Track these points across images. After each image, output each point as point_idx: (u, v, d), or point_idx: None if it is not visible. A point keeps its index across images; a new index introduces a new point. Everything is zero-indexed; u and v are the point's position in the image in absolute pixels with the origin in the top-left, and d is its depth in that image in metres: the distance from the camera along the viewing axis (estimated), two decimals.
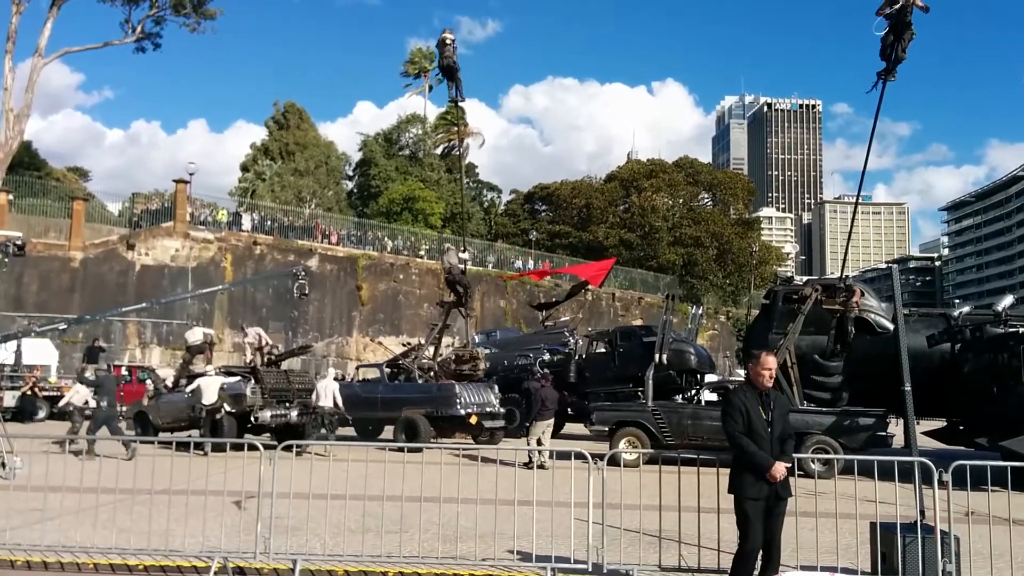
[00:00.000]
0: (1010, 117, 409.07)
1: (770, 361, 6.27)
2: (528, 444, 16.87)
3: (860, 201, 23.36)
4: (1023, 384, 14.67)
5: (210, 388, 18.94)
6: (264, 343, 21.44)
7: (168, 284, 37.77)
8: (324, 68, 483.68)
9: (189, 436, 18.26)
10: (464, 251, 25.60)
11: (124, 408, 22.97)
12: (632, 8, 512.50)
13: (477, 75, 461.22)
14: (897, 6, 14.86)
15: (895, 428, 17.10)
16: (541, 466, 14.49)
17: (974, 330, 16.85)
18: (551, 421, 17.39)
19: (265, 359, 21.17)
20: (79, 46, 48.39)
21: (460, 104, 27.59)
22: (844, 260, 22.27)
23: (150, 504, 8.50)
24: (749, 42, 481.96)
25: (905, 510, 8.39)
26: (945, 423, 18.10)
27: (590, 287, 46.57)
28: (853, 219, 24.77)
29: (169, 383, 21.80)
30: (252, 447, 8.38)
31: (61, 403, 21.19)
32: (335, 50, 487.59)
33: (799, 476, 9.04)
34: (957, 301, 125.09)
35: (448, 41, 22.15)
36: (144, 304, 33.03)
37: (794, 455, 10.37)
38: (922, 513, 7.92)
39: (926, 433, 17.97)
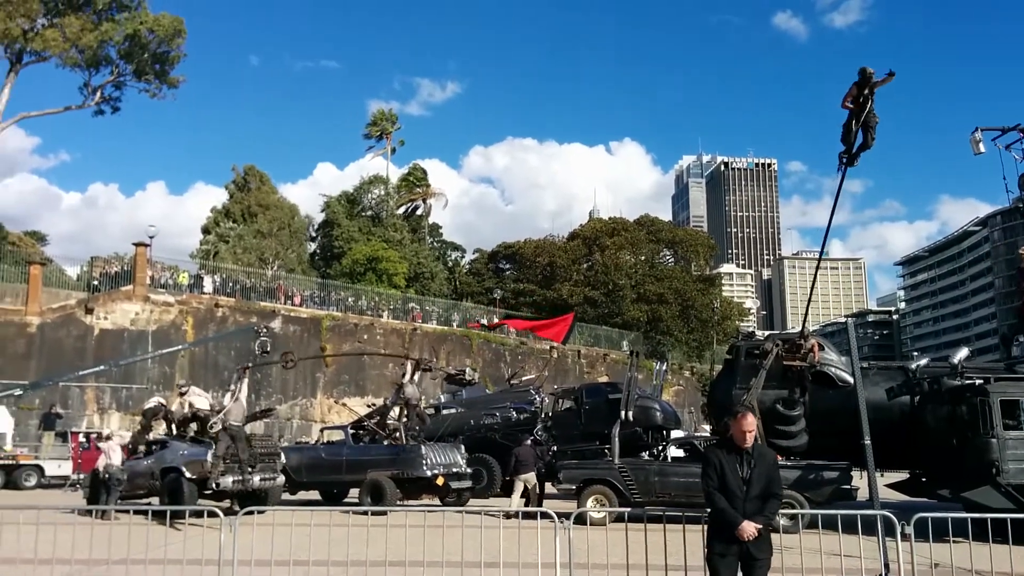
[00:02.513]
0: (959, 173, 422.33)
1: (749, 421, 6.17)
2: (511, 502, 17.58)
3: (819, 265, 23.77)
4: (981, 435, 14.86)
5: None
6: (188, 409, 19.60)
7: (128, 348, 37.07)
8: (284, 130, 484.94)
9: (149, 504, 17.79)
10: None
11: (82, 476, 22.34)
12: (589, 71, 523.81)
13: (437, 136, 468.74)
14: (864, 95, 14.31)
15: (859, 481, 17.22)
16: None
17: (932, 383, 17.12)
18: (529, 476, 18.19)
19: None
20: (37, 111, 48.38)
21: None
22: (805, 315, 22.58)
23: (107, 575, 8.28)
24: (705, 103, 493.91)
25: (870, 563, 8.46)
26: (908, 475, 18.26)
27: (554, 344, 46.88)
28: (814, 283, 25.17)
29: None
30: (212, 514, 8.23)
31: (100, 467, 18.14)
32: (295, 112, 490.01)
33: None
34: (915, 354, 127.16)
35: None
36: (102, 367, 32.50)
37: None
38: (886, 566, 7.98)
39: (889, 485, 18.11)
